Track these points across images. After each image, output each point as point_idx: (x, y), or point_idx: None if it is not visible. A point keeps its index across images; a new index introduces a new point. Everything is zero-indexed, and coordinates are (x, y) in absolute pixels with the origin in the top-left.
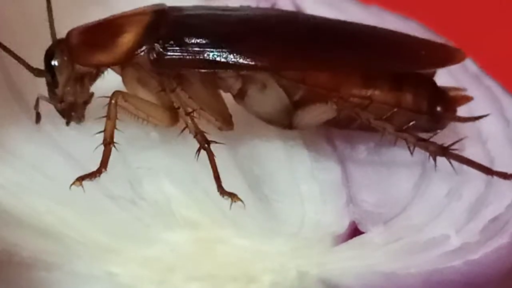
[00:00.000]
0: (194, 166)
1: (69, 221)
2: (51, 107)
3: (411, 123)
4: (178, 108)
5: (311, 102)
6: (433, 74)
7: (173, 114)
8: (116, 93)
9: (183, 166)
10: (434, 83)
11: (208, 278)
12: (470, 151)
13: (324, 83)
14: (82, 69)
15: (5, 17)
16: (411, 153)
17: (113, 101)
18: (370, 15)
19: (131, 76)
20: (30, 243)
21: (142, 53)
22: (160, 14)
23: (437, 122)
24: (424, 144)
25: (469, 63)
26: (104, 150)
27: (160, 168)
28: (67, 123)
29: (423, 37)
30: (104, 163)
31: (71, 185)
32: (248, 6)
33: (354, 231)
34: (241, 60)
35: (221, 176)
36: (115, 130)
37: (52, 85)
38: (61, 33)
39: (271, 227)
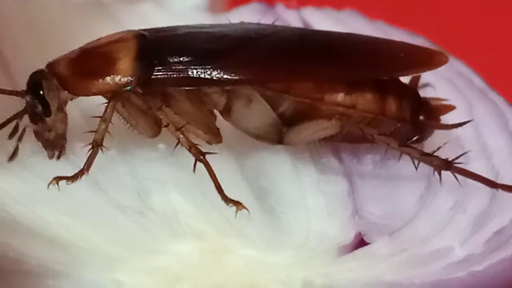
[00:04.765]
0: (202, 177)
1: (78, 231)
2: None
3: (413, 138)
4: (167, 125)
5: (297, 115)
6: (418, 79)
7: (156, 127)
8: (115, 96)
9: (190, 178)
10: (417, 93)
11: None
12: (475, 165)
13: (307, 92)
14: (68, 97)
15: (9, 22)
16: (416, 168)
17: (111, 103)
18: (376, 31)
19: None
20: (39, 252)
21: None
22: (141, 36)
23: (421, 130)
24: (428, 158)
25: (474, 78)
26: (91, 152)
27: (168, 179)
28: (51, 156)
29: None
30: (88, 165)
31: (49, 184)
32: (251, 23)
33: (360, 242)
34: (223, 75)
35: (228, 188)
36: (125, 142)
37: (41, 115)
38: (73, 47)
39: (277, 238)
